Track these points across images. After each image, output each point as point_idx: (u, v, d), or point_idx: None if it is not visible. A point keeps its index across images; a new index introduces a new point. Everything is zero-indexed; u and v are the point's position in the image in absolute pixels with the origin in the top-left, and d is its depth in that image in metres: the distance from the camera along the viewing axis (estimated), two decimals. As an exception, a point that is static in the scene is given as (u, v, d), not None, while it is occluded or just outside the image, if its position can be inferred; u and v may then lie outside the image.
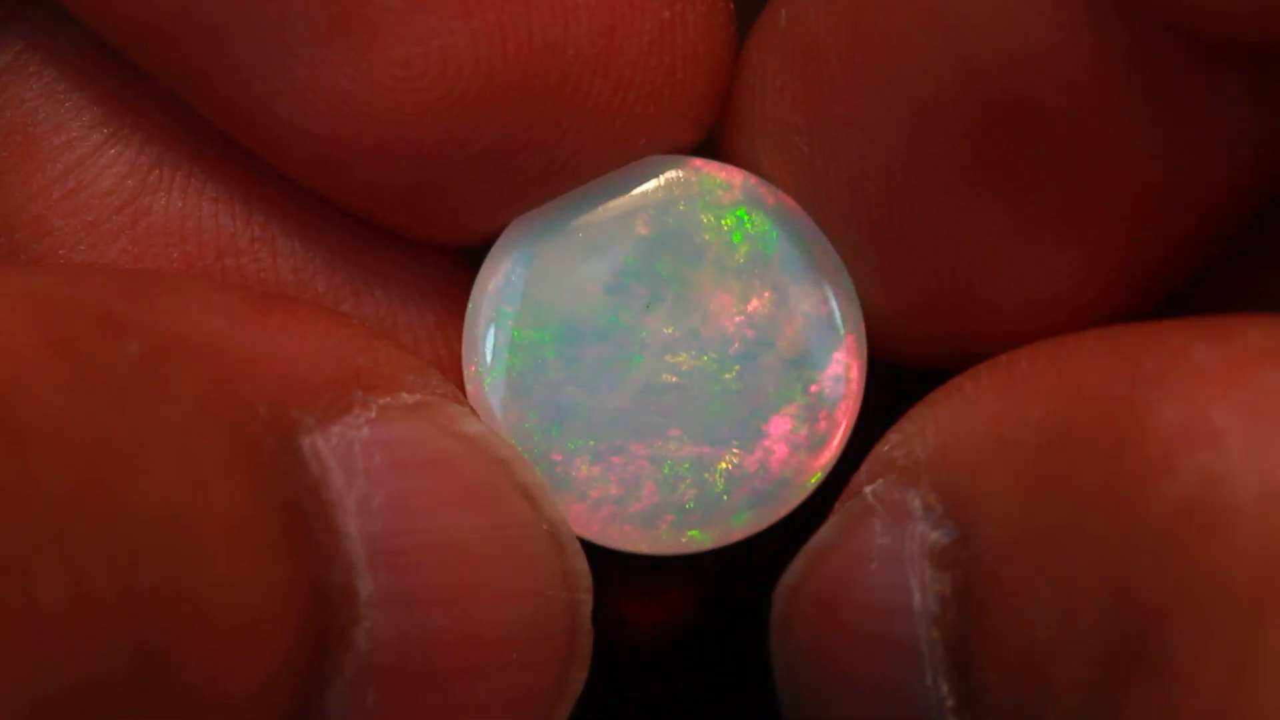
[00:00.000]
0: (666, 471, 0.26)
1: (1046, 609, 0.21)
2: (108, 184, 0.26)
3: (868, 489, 0.24)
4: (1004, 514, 0.22)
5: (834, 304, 0.26)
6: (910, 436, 0.24)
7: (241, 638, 0.21)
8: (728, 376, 0.26)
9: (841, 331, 0.26)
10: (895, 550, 0.23)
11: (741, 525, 0.26)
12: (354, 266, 0.27)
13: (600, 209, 0.26)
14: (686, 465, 0.26)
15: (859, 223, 0.25)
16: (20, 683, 0.18)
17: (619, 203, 0.26)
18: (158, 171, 0.26)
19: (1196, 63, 0.22)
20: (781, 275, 0.26)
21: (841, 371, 0.26)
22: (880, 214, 0.25)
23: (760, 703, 0.27)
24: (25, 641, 0.18)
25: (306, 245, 0.26)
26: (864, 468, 0.25)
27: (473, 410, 0.26)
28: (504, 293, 0.26)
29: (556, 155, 0.25)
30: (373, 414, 0.23)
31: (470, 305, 0.27)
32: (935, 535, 0.23)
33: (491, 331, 0.26)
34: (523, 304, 0.26)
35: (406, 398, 0.24)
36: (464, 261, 0.28)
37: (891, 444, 0.24)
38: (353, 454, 0.23)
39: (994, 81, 0.23)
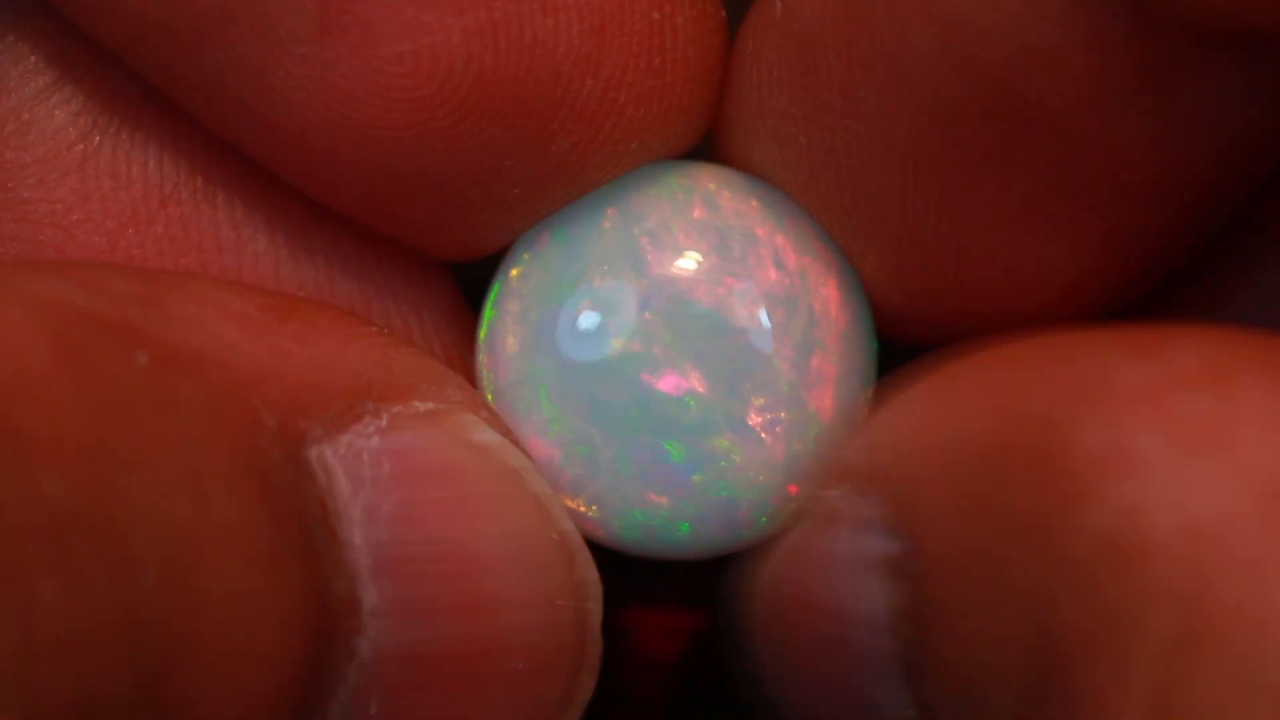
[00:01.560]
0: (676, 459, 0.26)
1: (981, 631, 0.21)
2: (59, 121, 0.26)
3: (829, 494, 0.24)
4: (946, 531, 0.21)
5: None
6: (869, 444, 0.24)
7: (243, 649, 0.21)
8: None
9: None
10: (855, 558, 0.23)
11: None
12: (300, 235, 0.27)
13: (606, 218, 0.26)
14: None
15: (858, 213, 0.25)
16: (15, 692, 0.18)
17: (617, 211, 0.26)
18: (108, 114, 0.26)
19: (1190, 51, 0.22)
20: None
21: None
22: (880, 205, 0.25)
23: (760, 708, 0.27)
24: (21, 650, 0.18)
25: (248, 204, 0.26)
26: (828, 471, 0.25)
27: (492, 416, 0.25)
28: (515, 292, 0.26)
29: (548, 157, 0.25)
30: (383, 422, 0.23)
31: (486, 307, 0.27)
32: (890, 546, 0.23)
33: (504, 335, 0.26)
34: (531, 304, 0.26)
35: (419, 406, 0.24)
36: (452, 278, 0.28)
37: (853, 450, 0.24)
38: (361, 463, 0.23)
39: (992, 76, 0.22)
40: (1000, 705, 0.20)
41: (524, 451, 0.25)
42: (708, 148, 0.27)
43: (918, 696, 0.22)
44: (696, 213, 0.26)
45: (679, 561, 0.27)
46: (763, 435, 0.25)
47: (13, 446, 0.18)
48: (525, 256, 0.26)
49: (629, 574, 0.27)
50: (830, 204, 0.25)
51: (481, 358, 0.27)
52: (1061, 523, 0.19)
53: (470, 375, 0.27)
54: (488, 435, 0.24)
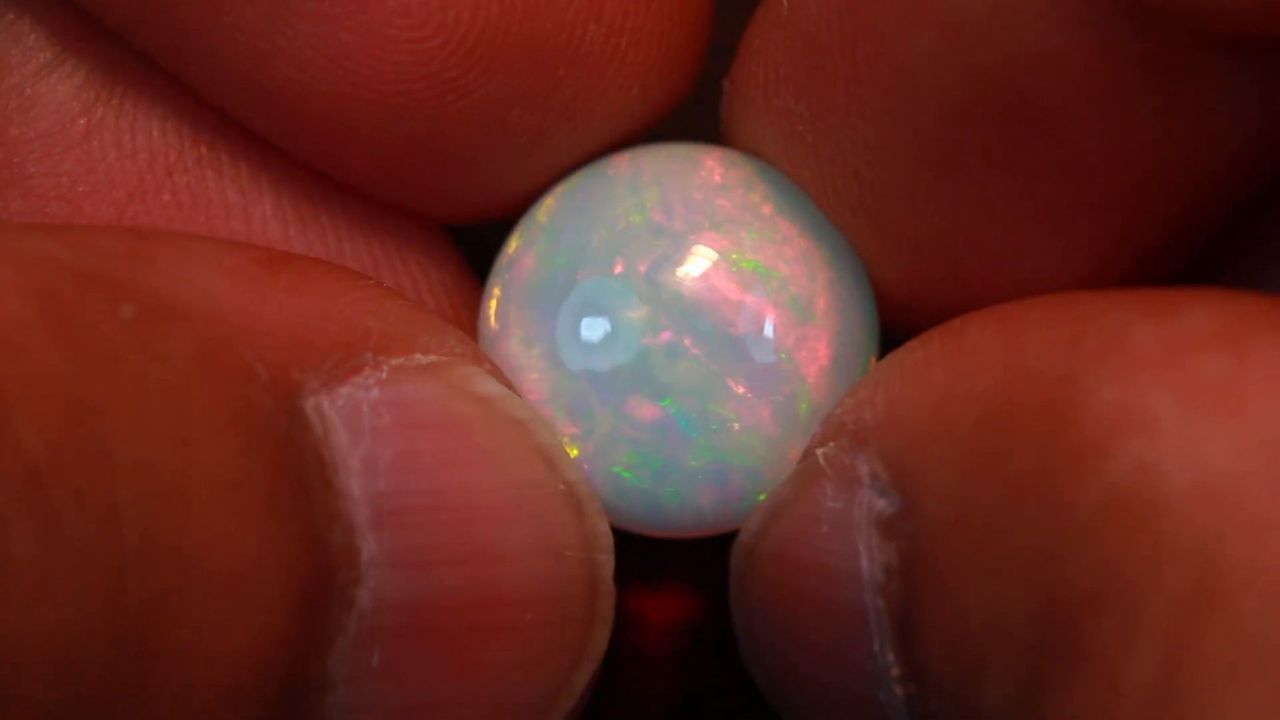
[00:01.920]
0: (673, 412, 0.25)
1: (980, 592, 0.20)
2: (63, 95, 0.26)
3: (819, 451, 0.24)
4: (943, 490, 0.21)
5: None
6: (861, 400, 0.24)
7: (227, 594, 0.20)
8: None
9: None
10: (845, 515, 0.23)
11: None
12: (305, 198, 0.27)
13: (616, 185, 0.26)
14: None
15: (862, 209, 0.25)
16: None
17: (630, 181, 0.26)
18: (110, 86, 0.26)
19: (1193, 54, 0.22)
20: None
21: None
22: (884, 203, 0.25)
23: (765, 708, 0.27)
24: None
25: (254, 169, 0.26)
26: (820, 429, 0.25)
27: (495, 368, 0.25)
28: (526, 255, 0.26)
29: (553, 105, 0.25)
30: (384, 374, 0.23)
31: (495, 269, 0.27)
32: (881, 504, 0.23)
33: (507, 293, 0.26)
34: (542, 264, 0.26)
35: (420, 358, 0.24)
36: (450, 237, 0.28)
37: (844, 407, 0.24)
38: (360, 414, 0.23)
39: (994, 77, 0.22)
40: (998, 666, 0.20)
41: (528, 403, 0.25)
42: (715, 139, 0.27)
43: (905, 656, 0.22)
44: (699, 189, 0.26)
45: (677, 544, 0.27)
46: (757, 406, 0.25)
47: None
48: (530, 225, 0.27)
49: (629, 568, 0.26)
50: (836, 201, 0.25)
51: (485, 321, 0.26)
52: (1069, 481, 0.19)
53: (472, 333, 0.27)
54: (491, 387, 0.24)
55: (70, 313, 0.20)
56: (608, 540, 0.25)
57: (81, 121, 0.26)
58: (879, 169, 0.24)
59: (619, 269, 0.25)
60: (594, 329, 0.25)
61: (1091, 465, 0.19)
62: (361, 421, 0.23)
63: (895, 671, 0.23)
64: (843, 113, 0.24)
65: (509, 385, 0.25)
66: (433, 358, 0.24)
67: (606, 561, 0.25)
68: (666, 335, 0.25)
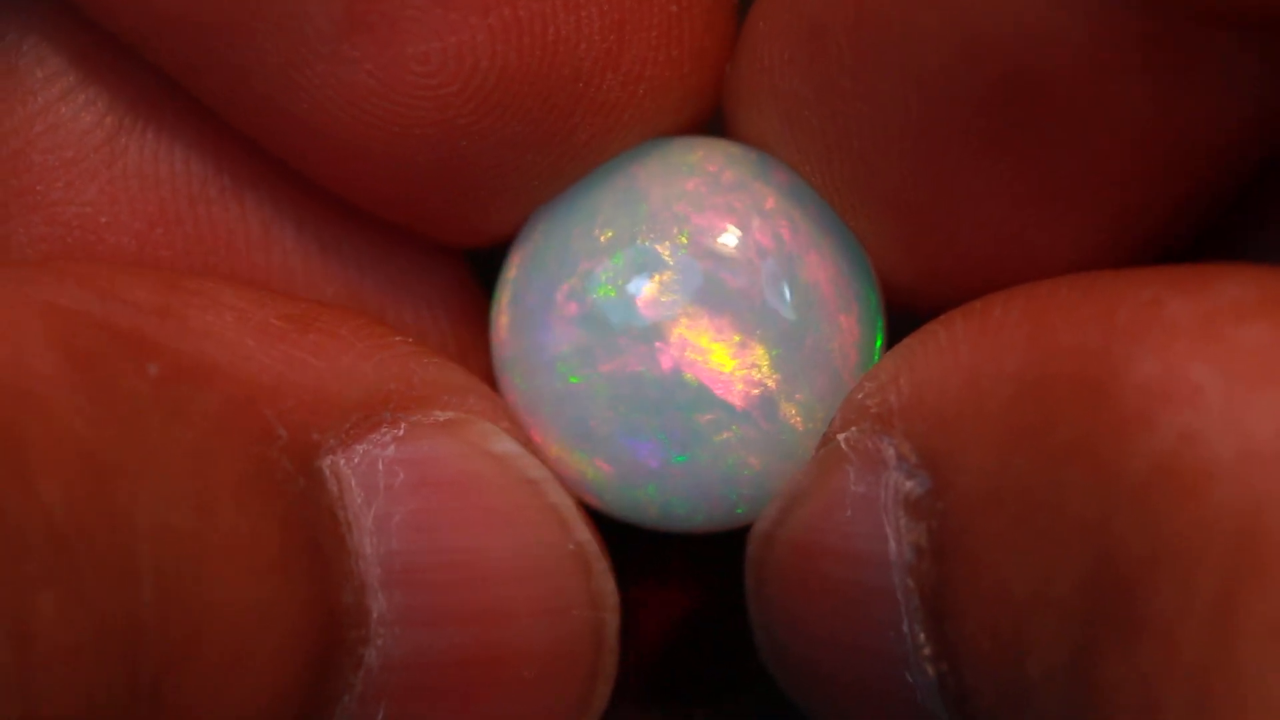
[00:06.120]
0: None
1: (1023, 565, 0.21)
2: (87, 122, 0.26)
3: (841, 436, 0.24)
4: (979, 466, 0.22)
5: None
6: (884, 384, 0.24)
7: (242, 657, 0.21)
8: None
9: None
10: (870, 498, 0.23)
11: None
12: (326, 230, 0.27)
13: (613, 192, 0.26)
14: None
15: (868, 192, 0.25)
16: (12, 704, 0.18)
17: (630, 182, 0.26)
18: (134, 112, 0.26)
19: (1197, 33, 0.22)
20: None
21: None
22: (889, 185, 0.25)
23: (765, 697, 0.27)
24: (19, 663, 0.18)
25: (275, 202, 0.26)
26: (838, 414, 0.25)
27: (513, 426, 0.25)
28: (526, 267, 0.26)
29: (568, 148, 0.25)
30: (400, 431, 0.24)
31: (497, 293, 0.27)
32: (910, 485, 0.23)
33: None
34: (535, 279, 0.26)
35: (438, 415, 0.24)
36: (468, 265, 0.28)
37: (865, 391, 0.24)
38: (375, 472, 0.23)
39: (997, 58, 0.23)
40: (1044, 637, 0.20)
41: (543, 461, 0.25)
42: (717, 124, 0.28)
43: (936, 635, 0.23)
44: (694, 188, 0.26)
45: (676, 536, 0.27)
46: (759, 410, 0.25)
47: (13, 457, 0.18)
48: (530, 237, 0.27)
49: (629, 560, 0.27)
50: (842, 184, 0.26)
51: (491, 336, 0.27)
52: (1114, 451, 0.20)
53: (486, 359, 0.27)
54: (507, 445, 0.24)
55: (96, 370, 0.20)
56: (614, 599, 0.25)
57: (105, 150, 0.26)
58: (883, 151, 0.25)
59: (610, 282, 0.26)
60: (591, 343, 0.25)
61: (1136, 435, 0.19)
62: (377, 480, 0.23)
63: (927, 651, 0.23)
64: (848, 96, 0.24)
65: (526, 442, 0.25)
66: (450, 414, 0.24)
67: (611, 620, 0.25)
68: (663, 346, 0.25)
